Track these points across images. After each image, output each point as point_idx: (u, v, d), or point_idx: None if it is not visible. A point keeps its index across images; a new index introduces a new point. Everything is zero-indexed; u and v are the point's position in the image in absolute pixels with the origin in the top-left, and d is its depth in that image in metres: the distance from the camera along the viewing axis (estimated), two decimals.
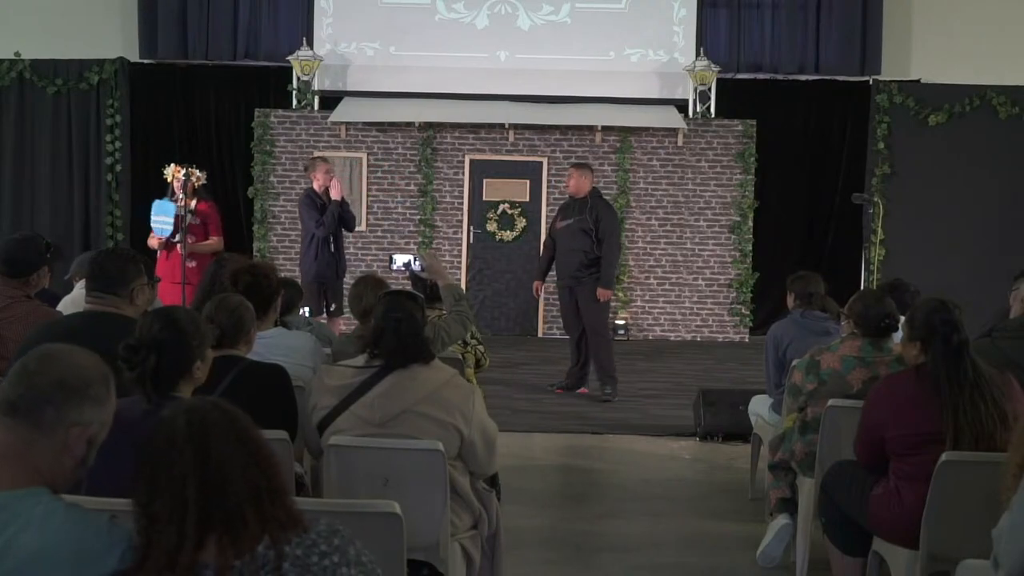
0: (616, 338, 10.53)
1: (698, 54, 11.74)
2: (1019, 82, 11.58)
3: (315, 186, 8.75)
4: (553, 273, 8.77)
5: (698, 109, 11.75)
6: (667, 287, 11.84)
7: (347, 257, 11.41)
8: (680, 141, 11.72)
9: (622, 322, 11.48)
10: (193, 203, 8.46)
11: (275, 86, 12.25)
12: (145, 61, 12.22)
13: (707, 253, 11.83)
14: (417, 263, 5.34)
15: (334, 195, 8.62)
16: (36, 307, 4.51)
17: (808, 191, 12.54)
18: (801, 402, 4.46)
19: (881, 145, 11.74)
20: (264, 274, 4.17)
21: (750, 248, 11.78)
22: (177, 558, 1.80)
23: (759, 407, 5.67)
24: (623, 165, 11.67)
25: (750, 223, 11.77)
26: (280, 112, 11.85)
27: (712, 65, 11.68)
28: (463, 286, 11.14)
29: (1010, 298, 4.89)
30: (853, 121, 12.32)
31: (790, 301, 5.62)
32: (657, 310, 11.84)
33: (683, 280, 11.85)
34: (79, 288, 5.18)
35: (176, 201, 8.40)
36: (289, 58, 11.83)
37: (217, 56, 12.28)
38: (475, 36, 12.01)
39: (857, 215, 11.79)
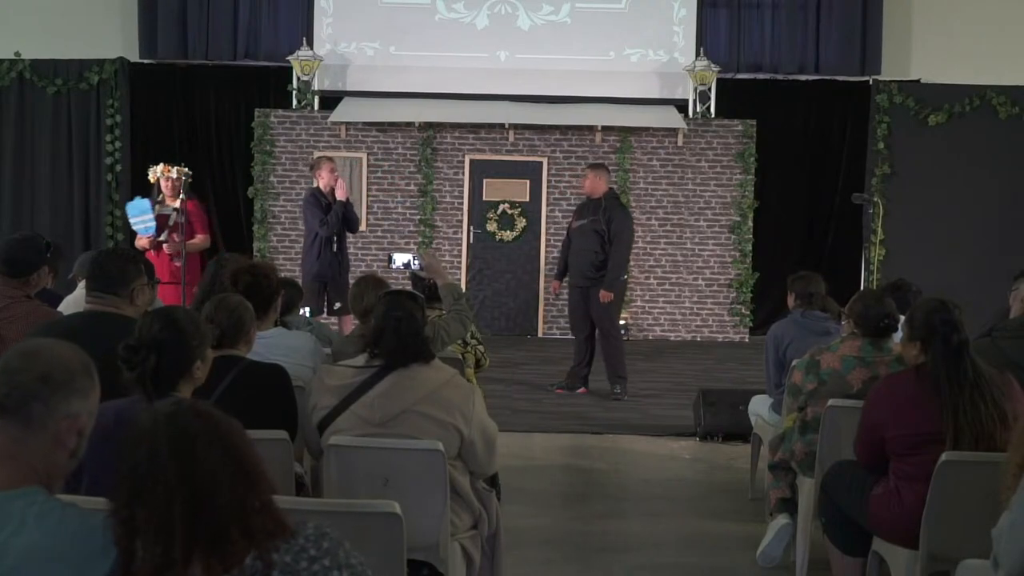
0: None
1: (698, 54, 11.74)
2: (1019, 82, 11.58)
3: (320, 185, 8.76)
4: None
5: (698, 109, 11.75)
6: (667, 287, 11.84)
7: (351, 257, 11.47)
8: (680, 141, 11.72)
9: (622, 322, 11.47)
10: (178, 202, 8.47)
11: (275, 86, 12.25)
12: (145, 61, 12.22)
13: (707, 253, 11.83)
14: (416, 263, 5.34)
15: (339, 195, 8.63)
16: (36, 307, 4.51)
17: (808, 191, 12.55)
18: (801, 402, 4.46)
19: (881, 145, 11.74)
20: (264, 274, 4.17)
21: (750, 248, 11.78)
22: None
23: (759, 407, 5.67)
24: (623, 165, 11.66)
25: (750, 223, 11.77)
26: (280, 112, 11.85)
27: (712, 65, 11.68)
28: (463, 286, 11.15)
29: (1010, 298, 4.89)
30: (853, 121, 12.32)
31: (790, 301, 5.62)
32: (657, 310, 11.84)
33: (683, 280, 11.85)
34: (81, 288, 5.18)
35: (162, 201, 8.41)
36: (289, 58, 11.83)
37: (217, 56, 12.28)
38: (475, 36, 12.01)
39: (857, 215, 11.79)
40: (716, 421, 7.02)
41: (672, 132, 11.71)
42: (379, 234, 11.79)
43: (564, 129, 11.75)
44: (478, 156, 11.82)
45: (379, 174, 11.79)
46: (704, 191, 11.79)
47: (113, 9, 12.31)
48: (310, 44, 11.86)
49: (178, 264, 8.32)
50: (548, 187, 11.80)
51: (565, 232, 8.90)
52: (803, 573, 4.44)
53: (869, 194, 11.01)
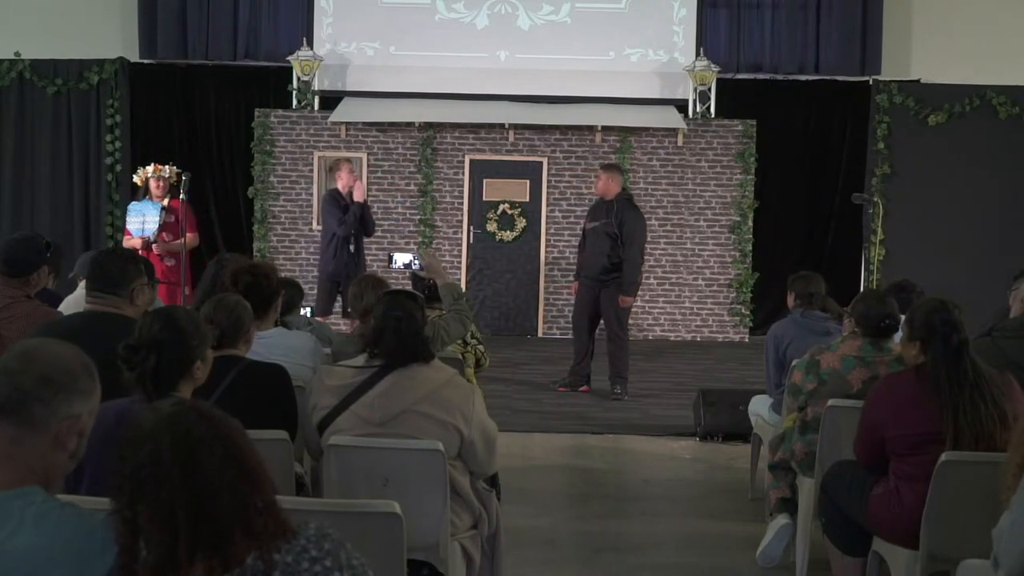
0: None
1: (698, 54, 11.74)
2: (1019, 82, 11.58)
3: (339, 186, 8.80)
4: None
5: (698, 109, 11.75)
6: (667, 287, 11.84)
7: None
8: (680, 141, 11.72)
9: None
10: (166, 201, 8.50)
11: (275, 86, 12.25)
12: (145, 61, 12.22)
13: (707, 253, 11.83)
14: (417, 263, 5.35)
15: (357, 197, 8.65)
16: (36, 307, 4.51)
17: (808, 191, 12.54)
18: (801, 402, 4.46)
19: (881, 145, 11.74)
20: (264, 274, 4.17)
21: (750, 248, 11.78)
22: None
23: (759, 407, 5.67)
24: (623, 165, 11.65)
25: (750, 223, 11.77)
26: (280, 112, 11.85)
27: (712, 65, 11.68)
28: (463, 286, 11.15)
29: (1010, 298, 4.89)
30: (853, 121, 12.32)
31: (790, 301, 5.62)
32: (657, 310, 11.85)
33: (683, 280, 11.85)
34: (82, 288, 5.18)
35: (154, 200, 8.44)
36: (289, 58, 11.83)
37: (217, 56, 12.28)
38: (475, 36, 12.01)
39: (857, 215, 11.79)
40: (716, 421, 7.02)
41: (672, 132, 11.71)
42: (379, 234, 11.74)
43: (564, 129, 11.75)
44: (478, 156, 11.82)
45: (379, 174, 11.79)
46: (704, 191, 11.79)
47: (113, 9, 12.31)
48: (310, 44, 11.86)
49: (169, 264, 8.35)
50: (548, 187, 11.80)
51: (581, 233, 8.90)
52: (803, 573, 4.44)
53: (869, 194, 11.01)
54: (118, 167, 11.87)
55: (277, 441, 3.33)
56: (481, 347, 5.57)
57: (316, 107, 11.89)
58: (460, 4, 12.01)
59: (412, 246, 11.51)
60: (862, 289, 10.66)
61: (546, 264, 11.81)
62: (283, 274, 6.37)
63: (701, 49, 11.79)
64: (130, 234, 8.46)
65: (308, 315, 5.81)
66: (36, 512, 1.87)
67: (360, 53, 12.07)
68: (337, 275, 8.70)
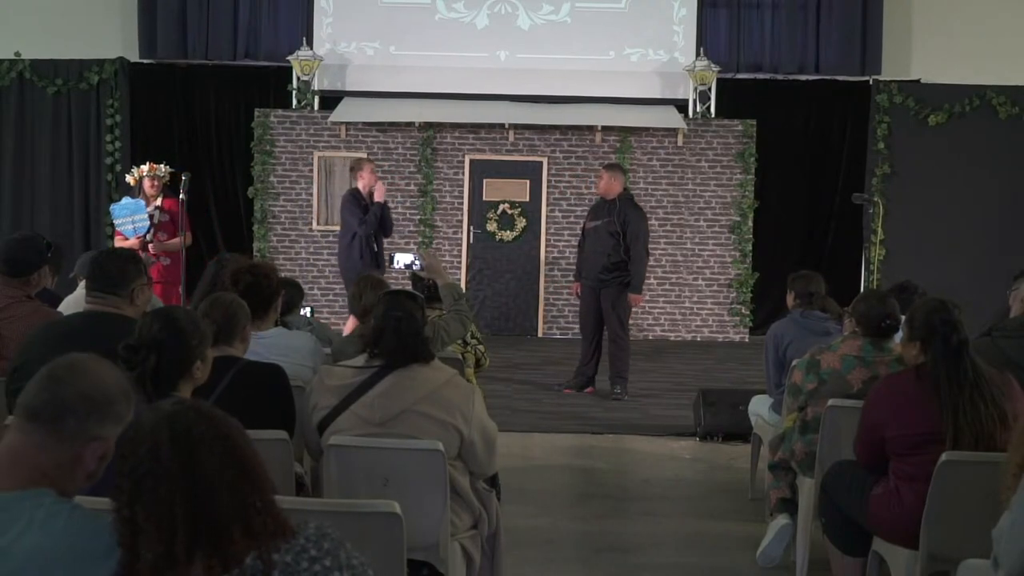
0: None
1: (698, 54, 11.74)
2: (1019, 82, 11.58)
3: (360, 186, 8.77)
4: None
5: (698, 109, 11.75)
6: (667, 287, 11.84)
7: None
8: (680, 141, 11.72)
9: None
10: (159, 200, 8.49)
11: (275, 86, 12.25)
12: (145, 61, 12.22)
13: (707, 253, 11.83)
14: (417, 263, 5.35)
15: (377, 197, 8.64)
16: (37, 307, 4.52)
17: (808, 191, 12.55)
18: (801, 402, 4.46)
19: (881, 145, 11.74)
20: (264, 274, 4.17)
21: (750, 248, 11.78)
22: None
23: (759, 407, 5.67)
24: (623, 165, 11.65)
25: (750, 223, 11.77)
26: (280, 112, 11.85)
27: (712, 65, 11.68)
28: (463, 286, 11.15)
29: (1010, 298, 4.89)
30: (853, 121, 12.32)
31: (790, 300, 5.62)
32: (657, 310, 11.85)
33: (683, 280, 11.85)
34: (82, 288, 5.18)
35: (145, 199, 8.42)
36: (289, 58, 11.83)
37: (217, 56, 12.28)
38: (475, 36, 12.01)
39: (857, 215, 11.79)
40: (716, 421, 7.02)
41: (672, 132, 11.71)
42: None
43: (564, 129, 11.75)
44: (478, 156, 11.82)
45: (379, 174, 11.69)
46: (704, 191, 11.79)
47: (113, 9, 12.31)
48: (310, 44, 11.86)
49: (164, 263, 8.35)
50: (548, 187, 11.80)
51: (580, 232, 8.89)
52: (803, 573, 4.44)
53: (869, 194, 11.01)
54: (118, 167, 11.86)
55: (277, 441, 3.33)
56: (481, 347, 5.57)
57: (316, 107, 11.89)
58: (460, 4, 12.01)
59: (412, 246, 11.51)
60: (862, 289, 10.67)
61: (546, 264, 11.81)
62: (283, 274, 6.37)
63: (701, 49, 11.79)
64: (122, 235, 8.43)
65: (308, 315, 5.80)
66: (45, 514, 1.87)
67: (360, 53, 12.07)
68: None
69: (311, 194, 11.76)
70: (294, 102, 11.89)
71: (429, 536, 3.35)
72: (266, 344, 4.03)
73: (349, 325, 6.23)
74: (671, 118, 11.66)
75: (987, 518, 2.61)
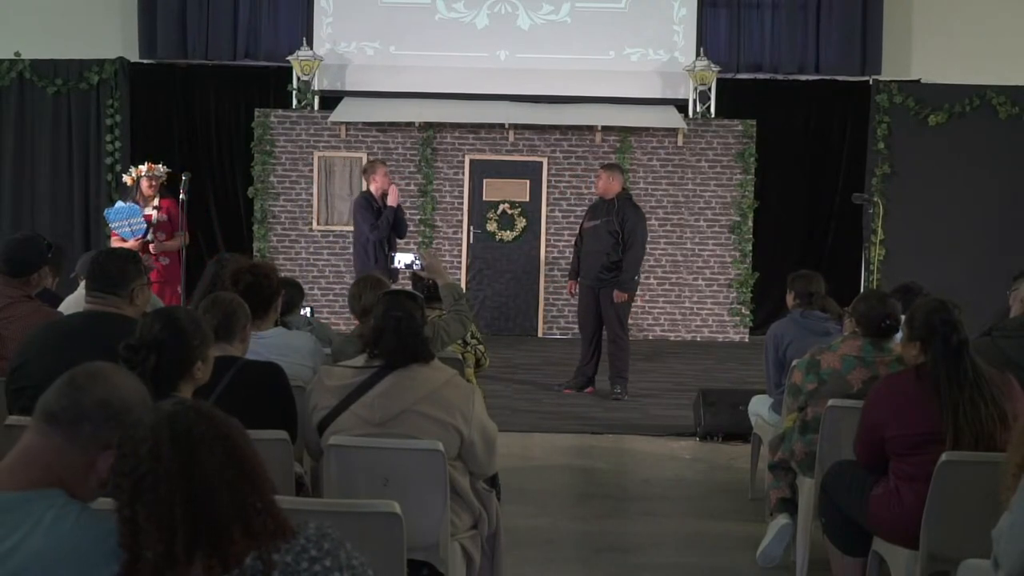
0: None
1: (698, 54, 11.74)
2: (1019, 82, 11.58)
3: (372, 188, 8.71)
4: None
5: (698, 109, 11.75)
6: (667, 287, 11.84)
7: (351, 257, 11.38)
8: (680, 141, 11.72)
9: None
10: (156, 200, 8.49)
11: (275, 86, 12.25)
12: (145, 61, 12.22)
13: (707, 253, 11.83)
14: (418, 263, 5.35)
15: (391, 201, 8.60)
16: (37, 307, 4.52)
17: (808, 191, 12.55)
18: (801, 402, 4.46)
19: (881, 145, 11.74)
20: (264, 274, 4.16)
21: (750, 248, 11.78)
22: None
23: (759, 407, 5.67)
24: (623, 165, 11.65)
25: (750, 223, 11.77)
26: (280, 112, 11.85)
27: (712, 65, 11.68)
28: (463, 286, 11.14)
29: (1010, 298, 4.90)
30: (853, 121, 12.32)
31: (790, 300, 5.62)
32: (657, 310, 11.85)
33: (683, 280, 11.85)
34: (83, 287, 5.18)
35: (140, 201, 8.42)
36: (289, 58, 11.83)
37: (217, 56, 12.28)
38: (475, 36, 12.01)
39: (857, 215, 11.79)
40: (716, 421, 7.02)
41: (672, 132, 11.71)
42: None
43: (564, 129, 11.75)
44: (478, 156, 11.82)
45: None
46: (704, 191, 11.79)
47: (113, 9, 12.31)
48: (310, 44, 11.86)
49: (163, 263, 8.35)
50: (548, 187, 11.80)
51: (577, 232, 8.88)
52: (803, 573, 4.44)
53: (869, 194, 11.01)
54: (118, 167, 11.86)
55: (277, 441, 3.33)
56: (481, 347, 5.58)
57: (316, 107, 11.89)
58: (460, 4, 12.01)
59: (412, 246, 11.51)
60: (862, 289, 10.66)
61: (546, 264, 11.81)
62: (283, 274, 6.36)
63: (701, 49, 11.79)
64: (119, 237, 8.41)
65: (308, 315, 5.80)
66: (54, 515, 1.88)
67: (360, 53, 12.07)
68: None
69: (311, 194, 11.76)
70: (294, 102, 11.89)
71: (429, 536, 3.35)
72: (266, 344, 4.03)
73: None
74: (671, 118, 11.66)
75: (987, 518, 2.61)
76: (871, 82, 11.96)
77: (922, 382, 3.59)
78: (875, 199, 10.29)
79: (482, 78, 11.92)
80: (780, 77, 12.36)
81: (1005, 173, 11.52)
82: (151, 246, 8.30)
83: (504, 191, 11.81)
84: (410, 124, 11.73)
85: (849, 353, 4.33)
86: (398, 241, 9.04)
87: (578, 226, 9.06)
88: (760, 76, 12.38)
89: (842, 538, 3.89)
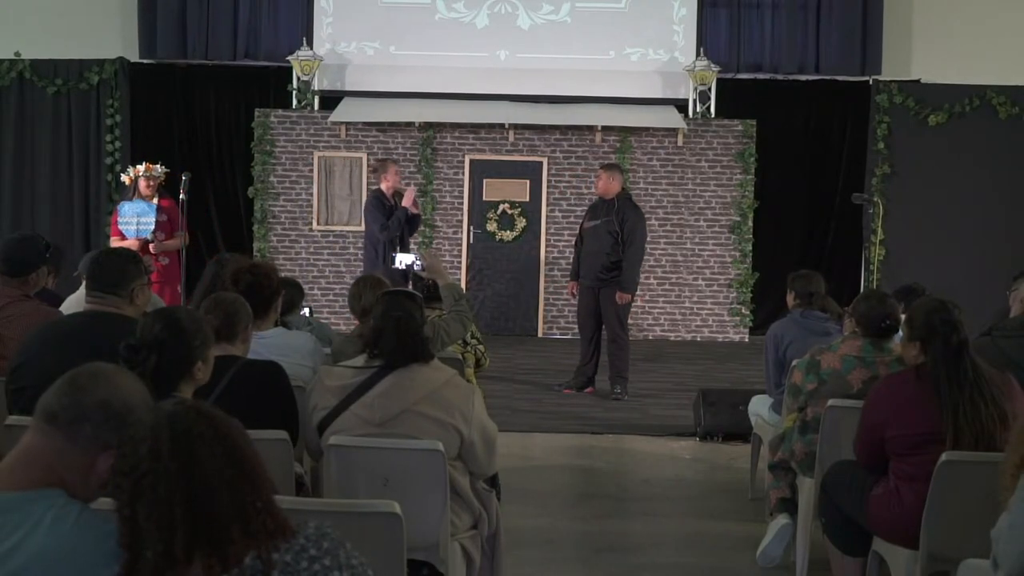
0: None
1: (698, 54, 11.74)
2: (1019, 82, 11.58)
3: (384, 187, 8.68)
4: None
5: (698, 109, 11.75)
6: (667, 287, 11.84)
7: (351, 257, 11.42)
8: (680, 141, 11.72)
9: None
10: (155, 200, 8.50)
11: (275, 86, 12.25)
12: (145, 61, 12.22)
13: (707, 253, 11.83)
14: (418, 263, 5.36)
15: (406, 202, 8.58)
16: (36, 307, 4.52)
17: (808, 191, 12.55)
18: (801, 402, 4.46)
19: (881, 145, 11.74)
20: (265, 274, 4.16)
21: (750, 248, 11.78)
22: None
23: (759, 407, 5.67)
24: (623, 165, 11.64)
25: (750, 223, 11.77)
26: (280, 112, 11.85)
27: (712, 65, 11.68)
28: (463, 286, 11.14)
29: (1010, 298, 4.90)
30: (853, 121, 12.32)
31: (790, 299, 5.62)
32: (657, 310, 11.85)
33: (683, 280, 11.85)
34: (84, 287, 5.18)
35: (144, 200, 8.43)
36: (289, 58, 11.83)
37: (217, 56, 12.28)
38: (475, 36, 12.01)
39: (857, 215, 11.79)
40: (716, 421, 7.02)
41: (672, 132, 11.71)
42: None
43: (564, 129, 11.75)
44: (478, 156, 11.82)
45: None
46: (704, 191, 11.79)
47: (113, 9, 12.31)
48: (310, 44, 11.86)
49: (163, 263, 8.36)
50: (548, 187, 11.80)
51: (577, 232, 8.87)
52: (803, 573, 4.44)
53: (869, 194, 11.01)
54: (118, 167, 11.86)
55: (277, 441, 3.33)
56: (481, 347, 5.58)
57: (316, 107, 11.89)
58: (460, 4, 12.01)
59: (413, 246, 11.51)
60: (862, 289, 10.67)
61: (546, 264, 11.81)
62: (283, 274, 6.36)
63: (701, 49, 11.79)
64: (120, 234, 8.41)
65: (307, 315, 5.80)
66: (55, 515, 1.88)
67: (360, 53, 12.07)
68: (395, 281, 8.59)
69: (311, 194, 11.76)
70: (294, 102, 11.89)
71: (429, 536, 3.35)
72: (266, 344, 4.03)
73: None
74: (671, 118, 11.66)
75: (987, 518, 2.61)
76: (871, 82, 11.96)
77: (922, 382, 3.59)
78: (875, 199, 10.29)
79: (482, 78, 11.92)
80: (780, 77, 12.36)
81: (1005, 173, 11.52)
82: (151, 246, 8.30)
83: (504, 191, 11.81)
84: (410, 124, 11.73)
85: (849, 353, 4.33)
86: (410, 239, 9.00)
87: (578, 226, 9.05)
88: (760, 76, 12.38)
89: (842, 538, 3.89)
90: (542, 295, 11.83)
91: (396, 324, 3.44)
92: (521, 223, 11.77)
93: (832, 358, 4.36)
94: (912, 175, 11.63)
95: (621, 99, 11.85)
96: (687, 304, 11.86)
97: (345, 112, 11.70)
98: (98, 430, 1.95)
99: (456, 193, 11.82)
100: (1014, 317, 4.68)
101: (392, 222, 8.46)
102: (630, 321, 8.91)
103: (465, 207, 11.81)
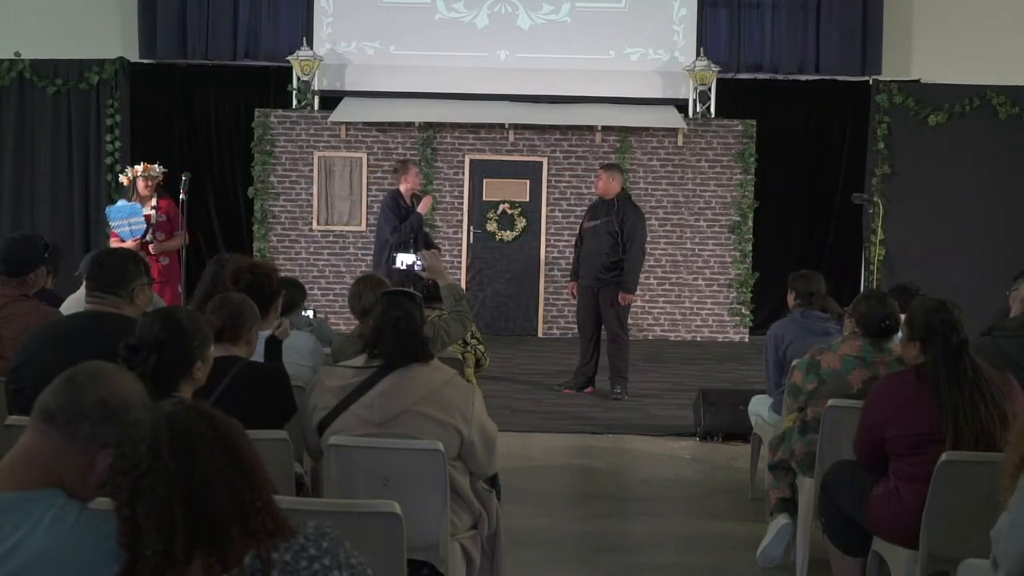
0: None
1: (698, 54, 11.74)
2: (1019, 82, 11.58)
3: (402, 188, 8.66)
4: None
5: (698, 109, 11.75)
6: (667, 287, 11.84)
7: (351, 257, 11.41)
8: (680, 141, 11.72)
9: None
10: (154, 200, 8.50)
11: (275, 86, 12.25)
12: (145, 61, 12.22)
13: (707, 253, 11.82)
14: (419, 263, 5.36)
15: (421, 209, 8.58)
16: (35, 306, 4.52)
17: (808, 191, 12.54)
18: (801, 402, 4.46)
19: (881, 145, 11.74)
20: (265, 273, 4.17)
21: (750, 248, 11.78)
22: None
23: (759, 407, 5.67)
24: (623, 165, 11.64)
25: (750, 223, 11.77)
26: (280, 112, 11.85)
27: (712, 65, 11.68)
28: (463, 286, 11.14)
29: (1010, 298, 4.90)
30: (853, 121, 12.32)
31: (791, 299, 5.62)
32: (657, 310, 11.84)
33: (683, 280, 11.85)
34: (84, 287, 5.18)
35: (138, 202, 8.42)
36: (289, 58, 11.83)
37: (217, 56, 12.28)
38: (475, 36, 12.01)
39: (857, 215, 11.79)
40: (716, 421, 7.02)
41: (672, 132, 11.71)
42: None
43: (564, 129, 11.75)
44: (478, 156, 11.81)
45: (379, 174, 11.78)
46: (704, 191, 11.79)
47: (113, 9, 12.31)
48: (310, 44, 11.86)
49: (164, 263, 8.36)
50: (548, 187, 11.80)
51: (577, 232, 8.87)
52: (803, 573, 4.44)
53: (869, 194, 11.01)
54: (118, 167, 11.85)
55: (277, 441, 3.33)
56: (481, 347, 5.58)
57: (316, 107, 11.89)
58: (460, 4, 12.01)
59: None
60: (862, 289, 10.66)
61: (546, 264, 11.81)
62: (283, 274, 6.36)
63: (701, 49, 11.79)
64: (118, 237, 8.40)
65: (311, 316, 5.79)
66: (55, 515, 1.88)
67: (360, 53, 12.07)
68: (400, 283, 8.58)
69: (311, 194, 11.76)
70: (294, 102, 11.89)
71: (429, 536, 3.35)
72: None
73: None
74: (671, 118, 11.66)
75: (987, 518, 2.61)
76: (871, 82, 11.95)
77: (922, 382, 3.59)
78: (875, 199, 10.29)
79: (482, 78, 11.92)
80: (780, 77, 12.36)
81: (1005, 173, 11.52)
82: (151, 246, 8.30)
83: (504, 191, 11.81)
84: (410, 124, 11.73)
85: (849, 353, 4.33)
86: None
87: (578, 226, 9.05)
88: (760, 76, 12.38)
89: (842, 538, 3.89)
90: (542, 295, 11.83)
91: (396, 324, 3.44)
92: (521, 223, 11.77)
93: (832, 358, 4.36)
94: (912, 175, 11.63)
95: (621, 99, 11.85)
96: (687, 304, 11.86)
97: (345, 112, 11.70)
98: (96, 429, 1.95)
99: (456, 193, 11.82)
100: (1014, 317, 4.68)
101: (404, 226, 8.43)
102: (630, 321, 8.91)
103: (465, 207, 11.81)
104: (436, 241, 11.67)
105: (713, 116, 11.77)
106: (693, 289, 11.85)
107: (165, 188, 8.76)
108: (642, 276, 9.25)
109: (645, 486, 6.13)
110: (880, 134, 11.72)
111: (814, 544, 4.36)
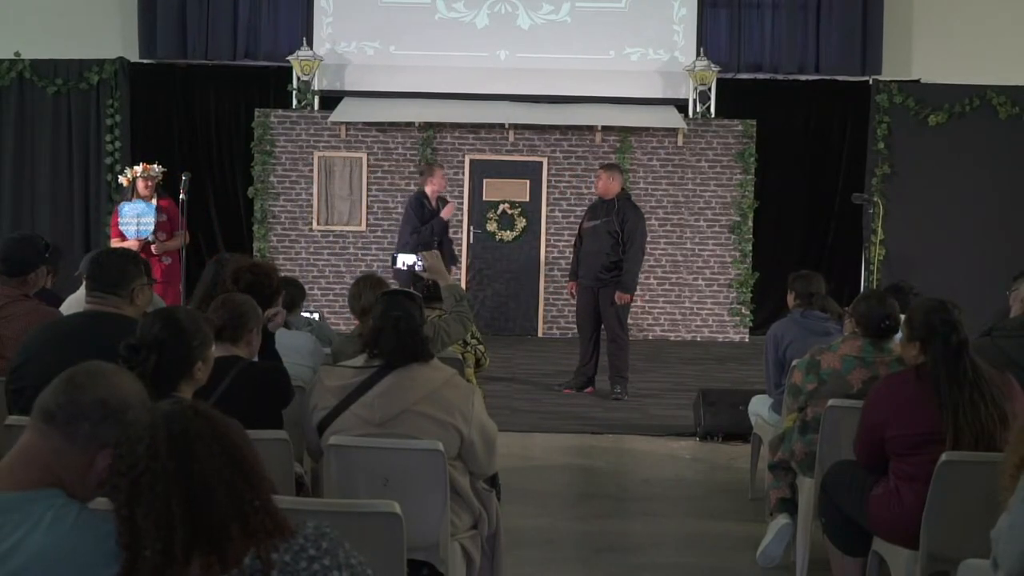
0: None
1: (698, 54, 11.74)
2: (1019, 82, 11.58)
3: (428, 190, 8.67)
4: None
5: (698, 109, 11.75)
6: (667, 287, 11.84)
7: (351, 257, 11.42)
8: (680, 141, 11.72)
9: None
10: (154, 200, 8.50)
11: (275, 86, 12.25)
12: (145, 61, 12.22)
13: (707, 253, 11.82)
14: (419, 263, 5.36)
15: (444, 214, 8.58)
16: (35, 306, 4.52)
17: (808, 191, 12.55)
18: (801, 402, 4.46)
19: (881, 145, 11.74)
20: (265, 273, 4.16)
21: (750, 248, 11.78)
22: None
23: (759, 407, 5.67)
24: (623, 165, 11.64)
25: (750, 223, 11.77)
26: (280, 112, 11.85)
27: (712, 65, 11.68)
28: (463, 286, 11.14)
29: (1010, 298, 4.90)
30: (853, 121, 12.32)
31: (791, 299, 5.62)
32: (657, 310, 11.84)
33: (683, 280, 11.85)
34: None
35: (143, 200, 8.43)
36: (289, 58, 11.83)
37: (217, 56, 12.28)
38: (475, 35, 12.01)
39: (857, 215, 11.78)
40: (716, 421, 7.02)
41: (672, 132, 11.71)
42: (379, 234, 11.78)
43: (564, 129, 11.75)
44: (478, 156, 11.81)
45: (379, 174, 11.79)
46: (704, 191, 11.79)
47: (113, 9, 12.31)
48: (310, 44, 11.86)
49: (166, 263, 8.37)
50: (548, 187, 11.80)
51: (577, 232, 8.86)
52: (803, 573, 4.44)
53: (869, 194, 11.01)
54: (118, 167, 11.85)
55: (277, 441, 3.33)
56: (481, 347, 5.58)
57: (316, 107, 11.89)
58: (460, 4, 12.01)
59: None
60: (862, 289, 10.66)
61: (546, 264, 11.81)
62: (283, 274, 6.36)
63: (701, 49, 11.79)
64: (120, 235, 8.40)
65: (315, 317, 5.79)
66: (54, 515, 1.88)
67: (360, 53, 12.07)
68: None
69: (311, 194, 11.76)
70: (294, 102, 11.89)
71: (429, 536, 3.35)
72: None
73: None
74: (671, 118, 11.66)
75: (987, 518, 2.61)
76: (871, 82, 11.95)
77: (922, 382, 3.59)
78: (875, 199, 10.29)
79: (482, 78, 11.92)
80: (780, 77, 12.36)
81: (1005, 173, 11.52)
82: (153, 247, 8.30)
83: (504, 191, 11.81)
84: (410, 124, 11.73)
85: (849, 353, 4.33)
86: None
87: (578, 226, 9.05)
88: (760, 76, 12.38)
89: (842, 538, 3.89)
90: (542, 295, 11.83)
91: (396, 324, 3.44)
92: (521, 223, 11.77)
93: (832, 358, 4.36)
94: (912, 175, 11.63)
95: (621, 99, 11.85)
96: (687, 304, 11.86)
97: (345, 112, 11.70)
98: (96, 428, 1.95)
99: (456, 193, 11.80)
100: (1014, 317, 4.68)
101: (425, 229, 8.46)
102: (630, 321, 8.91)
103: (465, 207, 11.80)
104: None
105: (713, 116, 11.78)
106: (693, 289, 11.85)
107: (165, 188, 8.76)
108: (642, 276, 9.26)
109: (645, 486, 6.13)
110: (880, 134, 11.72)
111: (814, 544, 4.36)
